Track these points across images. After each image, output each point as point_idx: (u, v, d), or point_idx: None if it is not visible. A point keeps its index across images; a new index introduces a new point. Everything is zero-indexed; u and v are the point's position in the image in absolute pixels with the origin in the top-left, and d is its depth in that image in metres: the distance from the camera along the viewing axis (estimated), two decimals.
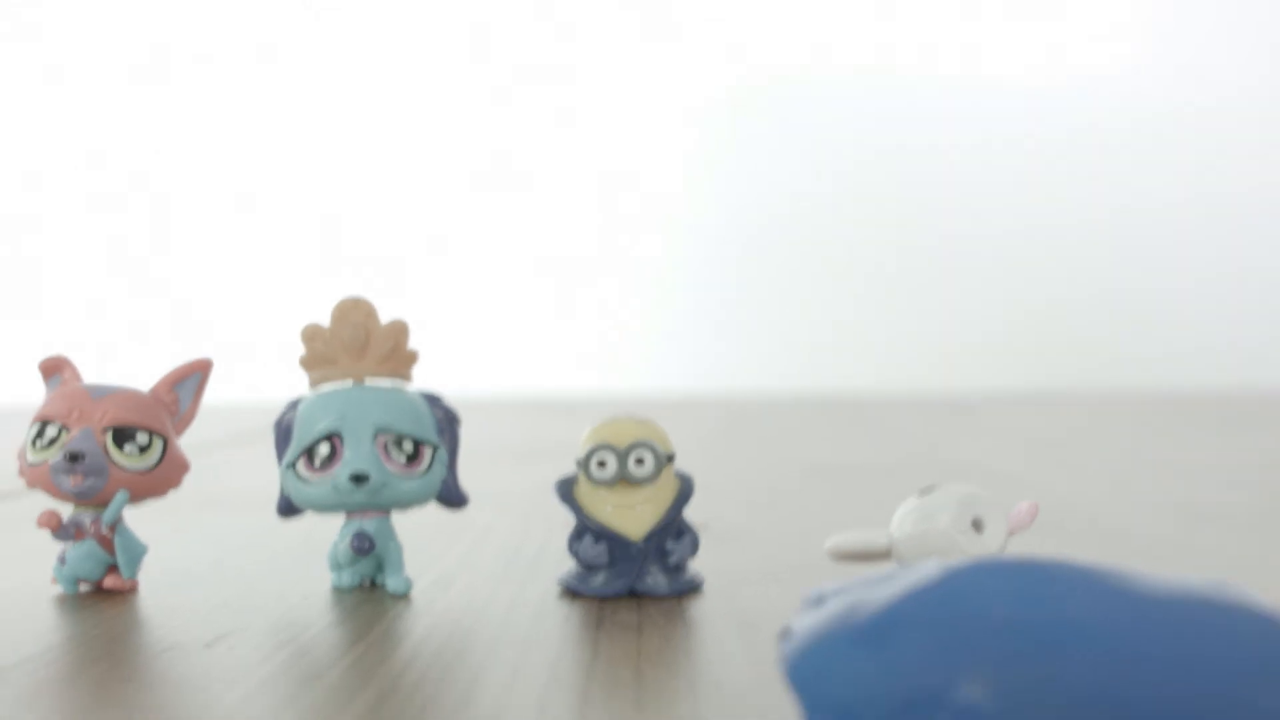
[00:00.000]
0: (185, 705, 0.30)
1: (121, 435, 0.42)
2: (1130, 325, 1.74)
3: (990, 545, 0.45)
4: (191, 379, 0.45)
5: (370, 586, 0.44)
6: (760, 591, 0.44)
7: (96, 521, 0.43)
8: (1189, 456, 0.94)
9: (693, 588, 0.43)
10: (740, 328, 1.76)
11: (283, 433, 0.44)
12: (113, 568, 0.43)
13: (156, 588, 0.44)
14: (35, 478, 0.42)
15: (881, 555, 0.47)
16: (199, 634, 0.37)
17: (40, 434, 0.42)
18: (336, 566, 0.44)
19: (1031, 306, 1.76)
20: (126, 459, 0.42)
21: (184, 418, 0.45)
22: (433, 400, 0.45)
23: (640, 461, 0.41)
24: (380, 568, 0.44)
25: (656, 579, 0.42)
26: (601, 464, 0.41)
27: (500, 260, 1.73)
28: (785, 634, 0.27)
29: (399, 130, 1.72)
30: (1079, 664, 0.25)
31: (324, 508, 0.42)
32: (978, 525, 0.45)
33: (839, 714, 0.25)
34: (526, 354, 1.71)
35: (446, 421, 0.45)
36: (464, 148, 1.73)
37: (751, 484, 0.75)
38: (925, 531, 0.46)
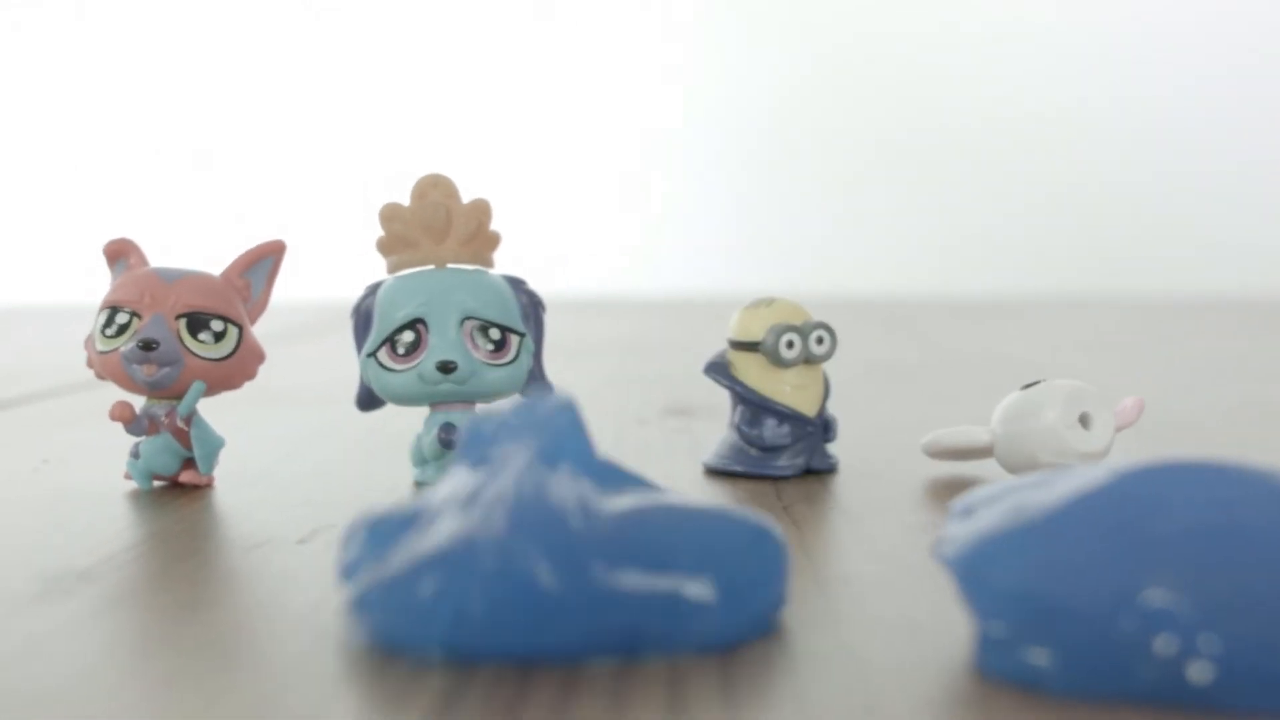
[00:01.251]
0: (288, 603, 0.28)
1: (195, 322, 0.40)
2: (1172, 229, 1.70)
3: (1097, 442, 0.43)
4: (264, 263, 0.42)
5: None
6: (858, 483, 0.42)
7: (171, 414, 0.41)
8: (1251, 358, 0.91)
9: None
10: (774, 230, 1.73)
11: (362, 320, 0.42)
12: (189, 462, 0.41)
13: (234, 483, 0.42)
14: (105, 367, 0.40)
15: (983, 452, 0.45)
16: (288, 530, 0.35)
17: (109, 321, 0.40)
18: (421, 460, 0.42)
19: (1075, 208, 1.72)
20: (201, 347, 0.40)
21: (257, 304, 0.42)
22: (517, 285, 0.42)
23: (820, 341, 0.42)
24: None
25: (823, 456, 0.43)
26: (790, 344, 0.41)
27: (521, 162, 1.69)
28: (941, 543, 0.25)
29: (436, 34, 1.67)
30: (1272, 570, 0.23)
31: (408, 399, 0.40)
32: (1084, 421, 0.43)
33: (1015, 608, 0.24)
34: (559, 253, 1.68)
35: (531, 307, 0.42)
36: (493, 57, 1.68)
37: None
38: (1030, 428, 0.44)
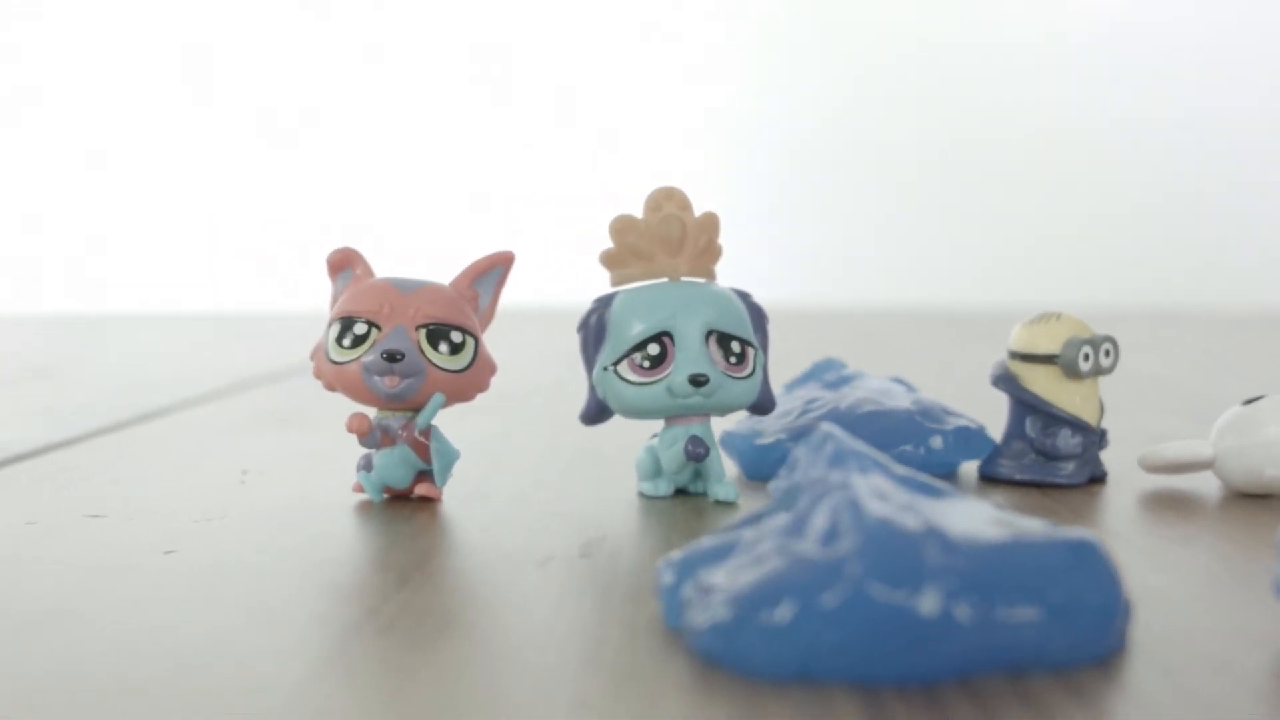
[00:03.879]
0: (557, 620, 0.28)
1: (435, 333, 0.40)
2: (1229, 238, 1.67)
3: None
4: (492, 273, 0.42)
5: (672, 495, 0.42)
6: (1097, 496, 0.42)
7: (408, 426, 0.40)
8: None
9: None
10: (809, 239, 1.70)
11: (594, 333, 0.41)
12: (422, 475, 0.41)
13: (458, 497, 0.42)
14: (339, 378, 0.40)
15: (1203, 466, 0.45)
16: (523, 549, 0.35)
17: (345, 331, 0.40)
18: (654, 474, 0.41)
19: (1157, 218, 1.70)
20: (441, 358, 0.40)
21: (484, 315, 0.42)
22: (744, 297, 0.42)
23: (1107, 354, 0.43)
24: (696, 476, 0.41)
25: (1098, 464, 0.44)
26: (1086, 357, 0.42)
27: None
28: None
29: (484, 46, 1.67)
30: None
31: (650, 412, 0.40)
32: None
33: None
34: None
35: (757, 320, 0.42)
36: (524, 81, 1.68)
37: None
38: (1255, 442, 0.43)
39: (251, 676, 0.25)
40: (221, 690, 0.24)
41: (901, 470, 0.28)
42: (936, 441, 0.43)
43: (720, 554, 0.27)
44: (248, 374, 0.80)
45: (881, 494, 0.26)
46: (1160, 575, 0.32)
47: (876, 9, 1.69)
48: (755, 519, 0.28)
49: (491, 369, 0.41)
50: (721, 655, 0.25)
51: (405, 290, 0.40)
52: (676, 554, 0.28)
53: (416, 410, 0.40)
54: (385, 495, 0.41)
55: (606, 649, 0.26)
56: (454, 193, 1.64)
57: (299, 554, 0.34)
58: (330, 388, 0.41)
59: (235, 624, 0.28)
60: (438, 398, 0.40)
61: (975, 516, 0.27)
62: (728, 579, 0.26)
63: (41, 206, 1.65)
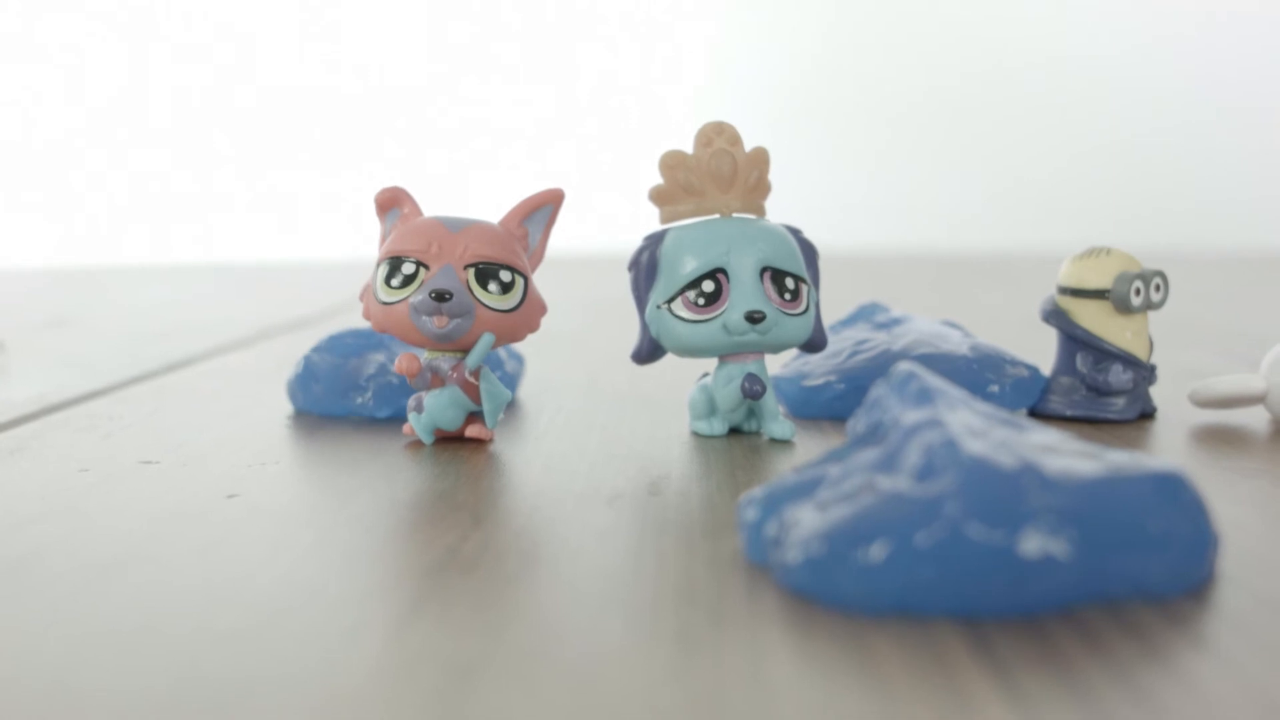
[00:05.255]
0: (633, 554, 0.28)
1: (484, 272, 0.39)
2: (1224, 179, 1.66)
3: None
4: (542, 211, 0.41)
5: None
6: (1158, 432, 0.41)
7: (458, 367, 0.40)
8: None
9: None
10: (811, 186, 1.69)
11: (645, 270, 0.41)
12: (473, 416, 0.41)
13: (509, 437, 0.42)
14: (389, 318, 0.40)
15: (1256, 400, 0.45)
16: (589, 487, 0.35)
17: (394, 271, 0.39)
18: (707, 414, 0.41)
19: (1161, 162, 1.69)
20: (490, 298, 0.39)
21: (534, 254, 0.42)
22: (795, 233, 0.42)
23: (1158, 288, 0.43)
24: (750, 414, 0.41)
25: (1148, 401, 0.44)
26: (1138, 292, 0.42)
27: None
28: None
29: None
30: None
31: (705, 350, 0.40)
32: None
33: None
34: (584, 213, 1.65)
35: (809, 256, 0.42)
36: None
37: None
38: None
39: (346, 619, 0.24)
40: (318, 634, 0.24)
41: (984, 406, 0.28)
42: (994, 389, 0.43)
43: (805, 490, 0.27)
44: (269, 322, 0.79)
45: (975, 431, 0.26)
46: (1235, 507, 0.32)
47: None
48: (839, 455, 0.28)
49: (542, 308, 0.41)
50: (815, 590, 0.25)
51: (454, 229, 0.39)
52: (758, 490, 0.28)
53: (466, 350, 0.40)
54: (436, 437, 0.41)
55: (697, 584, 0.26)
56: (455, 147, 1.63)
57: (363, 496, 0.34)
58: (379, 328, 0.40)
59: (317, 567, 0.28)
60: (487, 338, 0.39)
61: (1062, 450, 0.27)
62: (818, 515, 0.26)
63: (39, 159, 1.64)
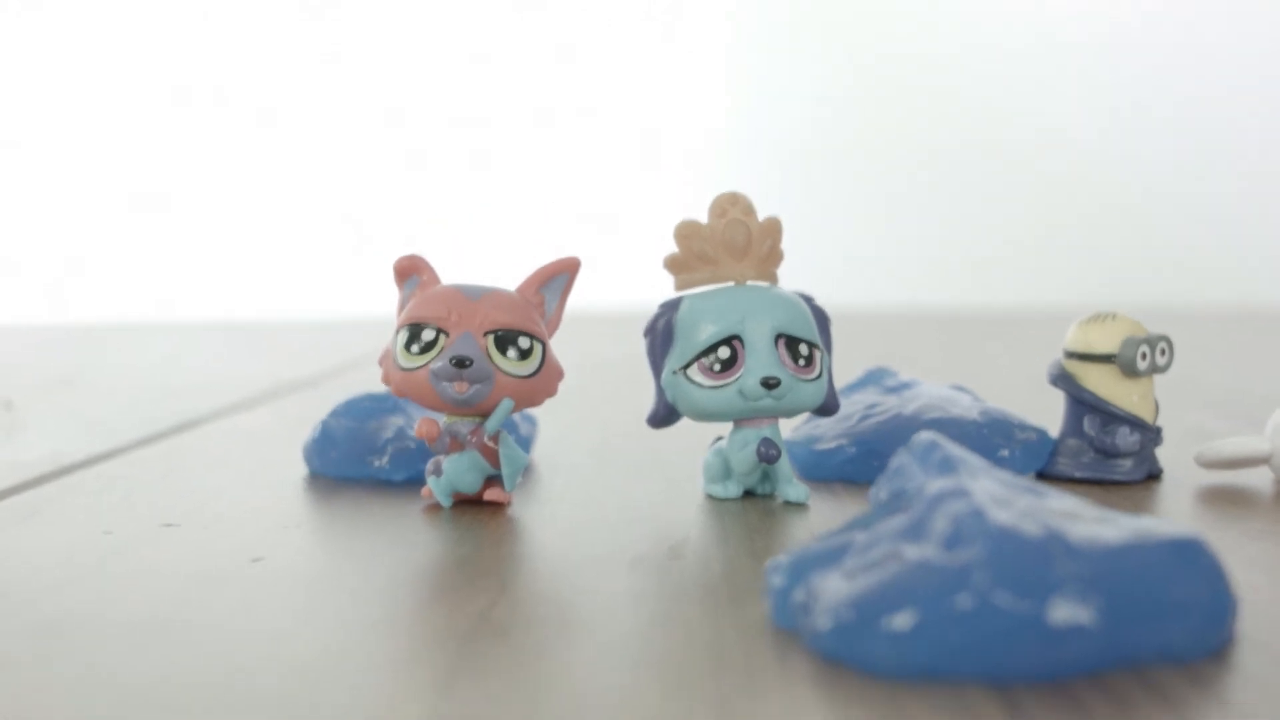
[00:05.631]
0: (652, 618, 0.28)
1: (503, 339, 0.40)
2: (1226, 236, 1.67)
3: None
4: (558, 279, 0.42)
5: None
6: (1164, 495, 0.42)
7: (477, 431, 0.40)
8: None
9: None
10: (814, 240, 1.71)
11: (661, 337, 0.41)
12: (492, 480, 0.41)
13: (520, 501, 0.42)
14: (408, 384, 0.40)
15: (1260, 461, 0.45)
16: (610, 551, 0.35)
17: (414, 337, 0.40)
18: (722, 477, 0.42)
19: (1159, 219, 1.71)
20: (509, 364, 0.40)
21: (551, 321, 0.42)
22: (807, 300, 0.42)
23: (1163, 352, 0.44)
24: (764, 477, 0.42)
25: (1154, 462, 0.45)
26: (1144, 356, 0.43)
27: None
28: None
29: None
30: None
31: (721, 414, 0.40)
32: None
33: None
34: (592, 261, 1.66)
35: (821, 323, 0.42)
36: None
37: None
38: None
39: (383, 687, 0.25)
40: (357, 702, 0.24)
41: (1003, 474, 0.29)
42: (1004, 453, 0.43)
43: (831, 557, 0.28)
44: (278, 381, 0.80)
45: (999, 500, 0.27)
46: (1246, 570, 0.32)
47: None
48: (864, 522, 0.28)
49: (559, 374, 0.42)
50: (845, 656, 0.25)
51: (472, 297, 0.40)
52: (783, 557, 0.29)
53: (485, 416, 0.40)
54: (454, 500, 0.41)
55: (727, 649, 0.26)
56: (459, 201, 1.64)
57: (387, 561, 0.35)
58: (399, 393, 0.41)
59: (349, 632, 0.28)
60: (506, 403, 0.40)
61: (1083, 516, 0.27)
62: (846, 582, 0.26)
63: (32, 216, 1.64)
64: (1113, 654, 0.25)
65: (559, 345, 0.43)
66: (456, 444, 0.41)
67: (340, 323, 1.36)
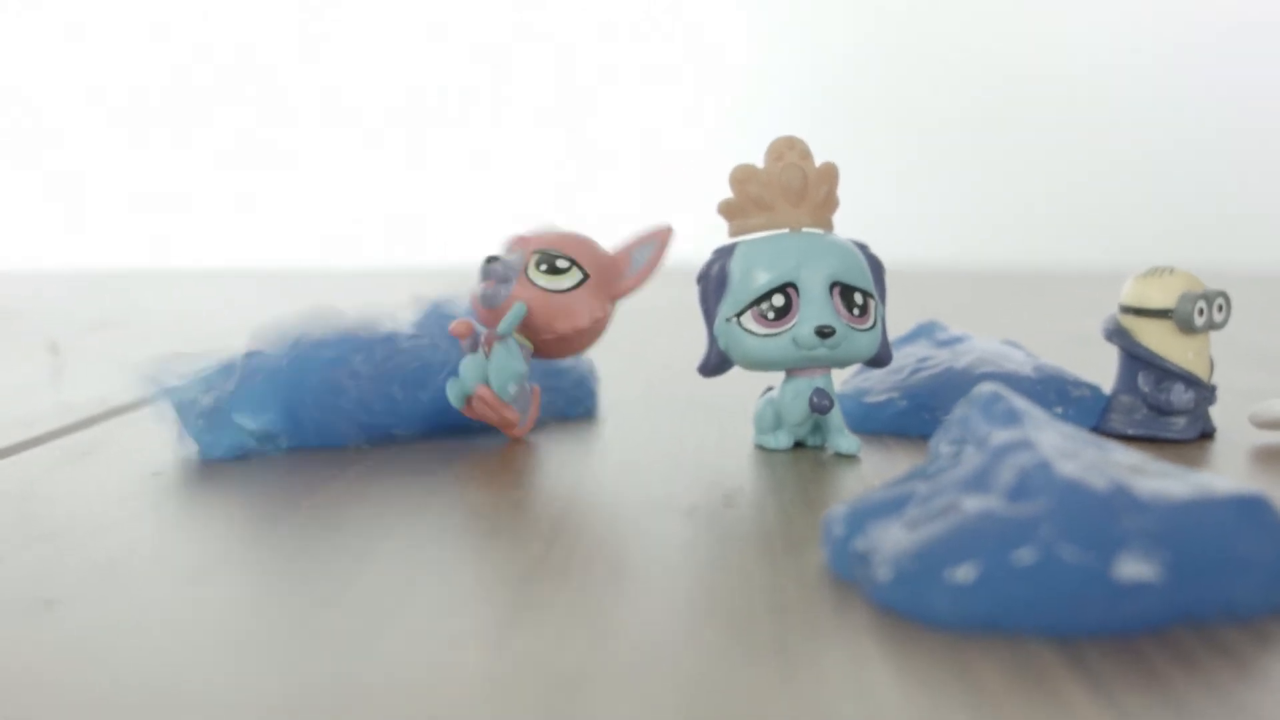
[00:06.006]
0: (742, 569, 0.28)
1: (544, 258, 0.42)
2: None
3: None
4: (649, 244, 0.44)
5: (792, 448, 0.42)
6: (1218, 453, 0.42)
7: (490, 335, 0.41)
8: None
9: None
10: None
11: (714, 284, 0.41)
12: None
13: (570, 445, 0.42)
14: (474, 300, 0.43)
15: None
16: (664, 498, 0.35)
17: (488, 262, 0.43)
18: (773, 427, 0.41)
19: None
20: (538, 276, 0.42)
21: (631, 278, 0.44)
22: (862, 248, 0.42)
23: (1220, 309, 0.43)
24: (815, 428, 0.41)
25: (1209, 421, 0.44)
26: (1201, 312, 0.42)
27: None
28: None
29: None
30: None
31: (774, 363, 0.40)
32: None
33: None
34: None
35: (876, 271, 0.42)
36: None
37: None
38: None
39: (447, 627, 0.25)
40: (423, 641, 0.24)
41: (1066, 427, 0.28)
42: (1058, 410, 0.43)
43: (892, 507, 0.28)
44: None
45: (1065, 452, 0.26)
46: None
47: None
48: (925, 472, 0.28)
49: (590, 309, 0.42)
50: (906, 607, 0.25)
51: (545, 234, 0.43)
52: (842, 506, 0.28)
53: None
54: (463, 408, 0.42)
55: (786, 597, 0.26)
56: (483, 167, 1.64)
57: (438, 503, 0.35)
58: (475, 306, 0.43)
59: (409, 573, 0.28)
60: (519, 306, 0.41)
61: (1148, 471, 0.27)
62: (907, 532, 0.26)
63: (54, 163, 1.65)
64: (1176, 610, 0.25)
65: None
66: (479, 344, 0.41)
67: (372, 271, 1.36)
